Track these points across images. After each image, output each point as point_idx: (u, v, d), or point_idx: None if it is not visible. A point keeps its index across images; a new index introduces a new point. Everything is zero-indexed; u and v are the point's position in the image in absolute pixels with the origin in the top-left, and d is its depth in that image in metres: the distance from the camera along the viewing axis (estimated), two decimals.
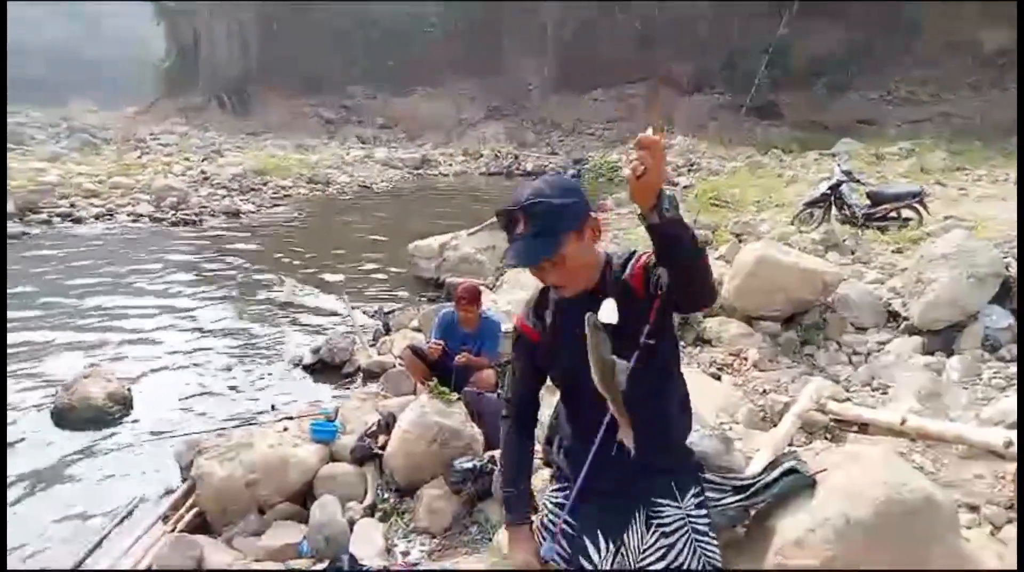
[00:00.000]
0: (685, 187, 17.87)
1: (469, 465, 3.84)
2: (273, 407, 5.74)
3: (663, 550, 1.79)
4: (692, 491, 1.87)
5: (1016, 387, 3.04)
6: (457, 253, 9.75)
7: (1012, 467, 3.07)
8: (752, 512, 2.78)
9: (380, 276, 10.78)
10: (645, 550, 1.81)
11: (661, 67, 33.42)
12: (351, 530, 3.74)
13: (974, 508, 3.08)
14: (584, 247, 1.68)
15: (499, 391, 4.50)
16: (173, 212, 16.22)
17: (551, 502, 1.90)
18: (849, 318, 5.66)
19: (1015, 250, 6.29)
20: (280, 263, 11.79)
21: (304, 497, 4.11)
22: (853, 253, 7.51)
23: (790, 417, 3.97)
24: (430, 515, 3.79)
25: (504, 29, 37.50)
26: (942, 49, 27.23)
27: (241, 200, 18.29)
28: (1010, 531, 2.94)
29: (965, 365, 4.70)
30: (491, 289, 8.09)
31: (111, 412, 5.66)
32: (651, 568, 1.79)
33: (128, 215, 16.09)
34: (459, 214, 13.91)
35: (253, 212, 17.40)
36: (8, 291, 8.96)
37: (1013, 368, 4.55)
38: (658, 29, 33.46)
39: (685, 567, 1.78)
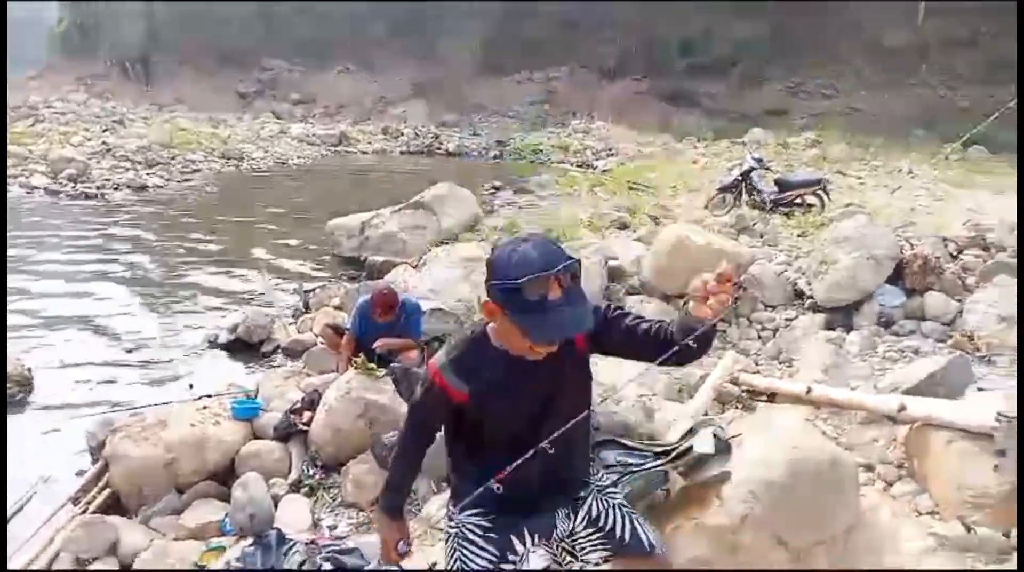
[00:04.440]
0: (604, 171, 18.22)
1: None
2: (191, 385, 5.55)
3: (597, 522, 1.93)
4: (597, 476, 2.05)
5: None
6: (379, 231, 9.59)
7: (904, 430, 3.34)
8: (673, 475, 2.92)
9: (299, 253, 10.48)
10: (576, 529, 1.93)
11: (583, 52, 33.82)
12: (276, 506, 3.70)
13: (870, 468, 3.35)
14: None
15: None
16: (72, 185, 15.29)
17: (473, 524, 1.88)
18: (759, 297, 5.96)
19: (908, 234, 6.77)
20: (191, 239, 11.31)
21: (226, 475, 4.02)
22: (762, 236, 7.87)
23: (706, 388, 4.17)
24: (357, 489, 3.79)
25: (430, 9, 36.85)
26: (847, 46, 28.67)
27: (147, 174, 17.38)
28: (900, 487, 3.21)
29: (863, 340, 5.04)
30: (415, 267, 8.04)
31: (9, 393, 5.33)
32: (588, 536, 1.93)
33: (21, 187, 15.10)
34: (378, 192, 13.69)
35: (160, 186, 16.59)
36: None
37: (905, 342, 4.93)
38: (581, 14, 33.76)
39: (616, 526, 1.92)
